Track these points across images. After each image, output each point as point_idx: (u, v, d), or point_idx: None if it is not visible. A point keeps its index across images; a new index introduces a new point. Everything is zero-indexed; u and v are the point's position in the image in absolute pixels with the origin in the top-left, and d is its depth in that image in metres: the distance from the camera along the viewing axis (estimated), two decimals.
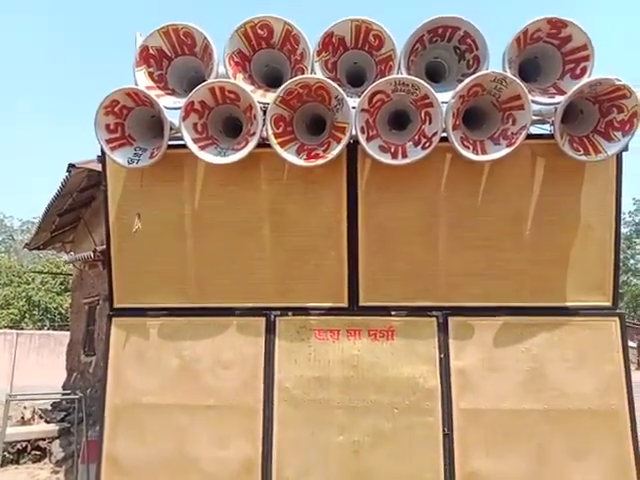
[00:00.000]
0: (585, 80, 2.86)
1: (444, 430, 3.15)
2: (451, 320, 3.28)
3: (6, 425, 6.16)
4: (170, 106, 3.07)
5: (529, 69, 3.13)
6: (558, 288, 3.27)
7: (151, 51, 3.14)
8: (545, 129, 3.22)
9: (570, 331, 3.24)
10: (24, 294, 22.01)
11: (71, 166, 6.24)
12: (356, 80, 3.32)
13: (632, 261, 30.11)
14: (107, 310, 3.58)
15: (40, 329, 20.95)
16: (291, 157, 3.03)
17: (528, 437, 3.14)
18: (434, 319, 3.28)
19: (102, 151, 3.19)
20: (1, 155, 56.49)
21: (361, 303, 3.33)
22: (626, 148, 3.10)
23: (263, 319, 3.35)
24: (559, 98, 2.91)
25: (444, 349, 3.25)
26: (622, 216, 3.44)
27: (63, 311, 21.87)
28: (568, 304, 3.26)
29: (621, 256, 3.43)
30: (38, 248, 11.59)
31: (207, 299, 3.41)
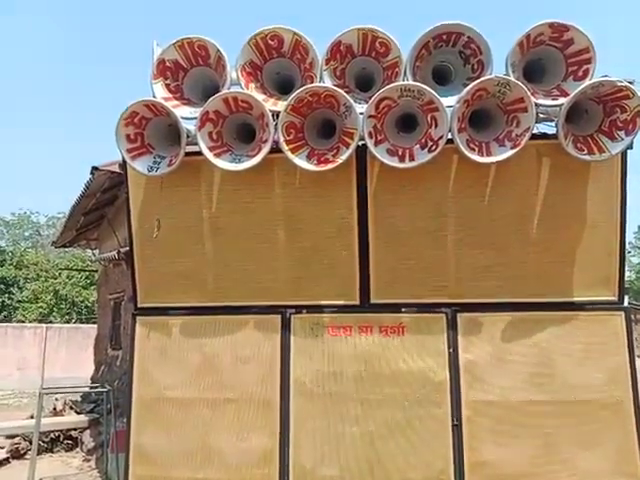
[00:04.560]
0: (587, 82, 2.92)
1: (453, 421, 3.27)
2: (460, 316, 3.38)
3: (40, 416, 6.47)
4: (187, 116, 3.21)
5: (534, 71, 3.18)
6: (565, 284, 3.34)
7: (167, 64, 3.27)
8: (552, 126, 3.28)
9: (577, 325, 3.31)
10: (51, 288, 22.57)
11: (94, 169, 6.48)
12: (365, 84, 3.41)
13: None
14: (132, 308, 3.77)
15: (68, 322, 21.49)
16: (302, 162, 3.15)
17: (535, 427, 3.23)
18: (443, 315, 3.38)
19: (123, 160, 3.35)
20: (26, 154, 57.76)
21: (372, 300, 3.44)
22: (631, 146, 3.15)
23: (279, 317, 3.49)
24: (562, 100, 2.97)
25: (453, 344, 3.35)
26: None
27: (89, 304, 22.41)
28: (575, 299, 3.33)
29: None
30: (64, 246, 11.99)
31: (225, 298, 3.56)
